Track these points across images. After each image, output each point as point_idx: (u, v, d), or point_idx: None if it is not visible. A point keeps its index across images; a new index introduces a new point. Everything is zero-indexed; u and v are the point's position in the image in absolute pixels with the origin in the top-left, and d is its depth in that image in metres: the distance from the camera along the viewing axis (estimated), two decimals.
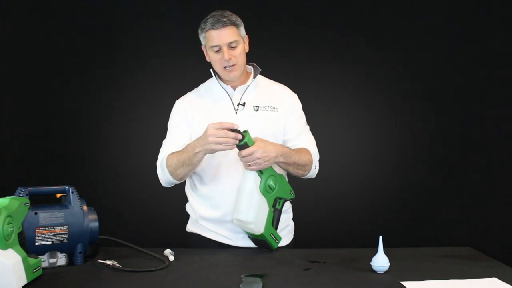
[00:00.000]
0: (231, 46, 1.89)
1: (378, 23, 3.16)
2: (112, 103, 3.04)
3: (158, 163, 1.96)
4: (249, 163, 1.76)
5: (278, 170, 1.89)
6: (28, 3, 2.98)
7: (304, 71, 2.92)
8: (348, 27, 3.15)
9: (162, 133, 2.19)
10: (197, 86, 2.10)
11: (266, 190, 1.80)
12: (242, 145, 1.74)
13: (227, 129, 1.72)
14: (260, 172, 1.79)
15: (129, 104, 3.04)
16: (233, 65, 1.91)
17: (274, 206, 1.84)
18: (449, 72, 3.19)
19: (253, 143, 1.75)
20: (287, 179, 1.94)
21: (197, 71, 2.86)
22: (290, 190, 1.88)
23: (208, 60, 1.99)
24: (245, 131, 1.75)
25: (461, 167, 3.19)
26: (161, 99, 3.04)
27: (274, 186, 1.81)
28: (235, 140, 1.72)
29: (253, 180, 1.79)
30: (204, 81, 2.12)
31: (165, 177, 1.94)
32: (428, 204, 3.18)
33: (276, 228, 1.85)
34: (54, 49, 3.01)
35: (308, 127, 2.07)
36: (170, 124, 2.04)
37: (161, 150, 1.98)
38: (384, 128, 3.16)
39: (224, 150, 1.76)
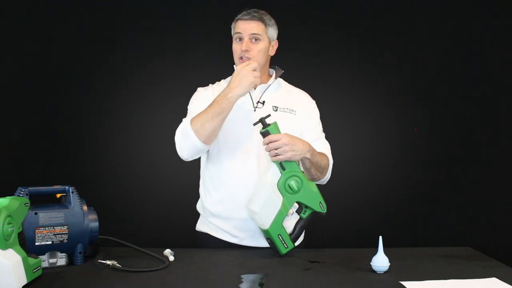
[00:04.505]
0: (253, 39, 1.94)
1: (378, 23, 3.16)
2: (112, 103, 3.04)
3: (179, 131, 1.88)
4: (276, 151, 1.75)
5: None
6: (28, 3, 2.98)
7: (304, 71, 2.91)
8: (348, 27, 3.15)
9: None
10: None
11: (285, 188, 1.77)
12: (264, 133, 1.75)
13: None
14: (282, 168, 1.77)
15: (129, 104, 3.04)
16: (248, 58, 1.93)
17: (299, 212, 1.83)
18: (449, 72, 3.19)
19: (278, 132, 1.76)
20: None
21: (197, 71, 2.88)
22: (320, 203, 1.81)
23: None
24: (274, 122, 1.77)
25: (461, 167, 3.19)
26: (161, 99, 3.05)
27: (296, 189, 1.77)
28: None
29: (272, 173, 1.78)
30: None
31: (189, 141, 1.83)
32: (428, 204, 3.17)
33: (296, 238, 1.83)
34: (54, 49, 3.01)
35: (324, 134, 2.08)
36: (191, 105, 2.02)
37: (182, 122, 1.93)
38: (384, 128, 3.17)
39: (258, 81, 1.84)
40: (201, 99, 2.00)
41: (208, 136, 1.83)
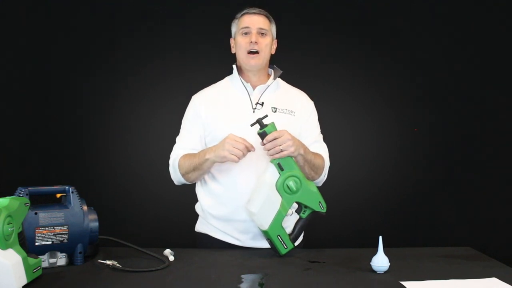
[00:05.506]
0: (260, 33, 1.96)
1: (378, 23, 3.16)
2: (112, 103, 3.04)
3: (171, 162, 2.01)
4: (281, 147, 1.75)
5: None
6: (28, 3, 2.98)
7: (304, 71, 2.91)
8: (348, 27, 3.15)
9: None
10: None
11: (283, 189, 1.77)
12: (262, 133, 1.76)
13: (246, 146, 1.78)
14: (281, 168, 1.77)
15: (129, 104, 3.04)
16: (257, 52, 1.94)
17: (298, 212, 1.83)
18: (449, 72, 3.19)
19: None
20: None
21: (197, 71, 2.88)
22: (320, 202, 1.81)
23: (233, 51, 2.03)
24: (272, 123, 1.78)
25: (461, 167, 3.19)
26: (160, 99, 3.05)
27: (295, 189, 1.77)
28: (245, 154, 1.79)
29: (270, 174, 1.78)
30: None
31: (177, 177, 2.00)
32: (428, 204, 3.17)
33: (296, 238, 1.83)
34: (54, 49, 3.01)
35: (322, 136, 2.08)
36: (184, 121, 2.05)
37: (174, 147, 2.03)
38: (384, 128, 3.16)
39: (233, 160, 1.79)
40: (192, 112, 2.02)
41: (193, 180, 2.00)
